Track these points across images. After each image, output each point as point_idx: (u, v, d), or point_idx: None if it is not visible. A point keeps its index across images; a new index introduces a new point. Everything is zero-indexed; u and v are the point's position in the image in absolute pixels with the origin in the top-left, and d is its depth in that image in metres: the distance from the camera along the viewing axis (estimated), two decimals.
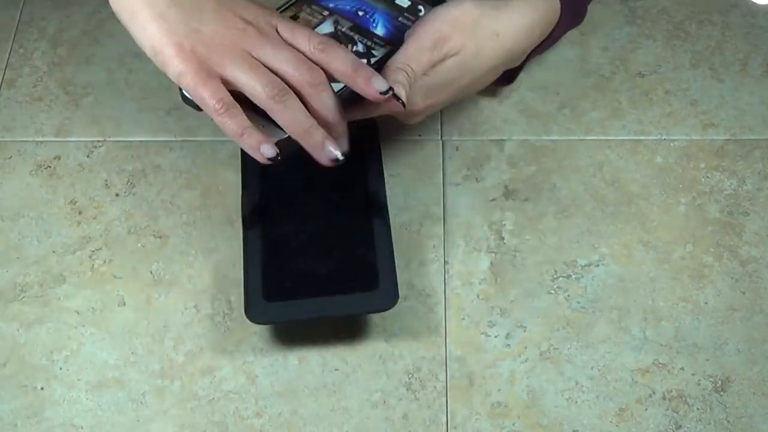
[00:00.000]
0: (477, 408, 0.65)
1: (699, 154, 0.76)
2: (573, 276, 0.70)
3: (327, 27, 0.66)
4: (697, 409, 0.64)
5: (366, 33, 0.65)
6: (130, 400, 0.65)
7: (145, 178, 0.75)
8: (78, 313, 0.69)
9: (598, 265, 0.70)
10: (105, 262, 0.71)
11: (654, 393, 0.65)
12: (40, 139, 0.77)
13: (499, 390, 0.65)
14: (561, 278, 0.70)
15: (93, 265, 0.71)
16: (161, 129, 0.77)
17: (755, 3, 0.84)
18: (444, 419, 0.64)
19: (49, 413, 0.65)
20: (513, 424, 0.64)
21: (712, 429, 0.64)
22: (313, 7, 0.67)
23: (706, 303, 0.69)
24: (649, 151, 0.76)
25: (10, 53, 0.82)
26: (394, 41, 0.65)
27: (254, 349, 0.67)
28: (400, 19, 0.67)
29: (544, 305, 0.69)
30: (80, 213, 0.73)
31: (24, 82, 0.80)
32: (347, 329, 0.68)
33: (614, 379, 0.66)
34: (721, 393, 0.65)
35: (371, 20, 0.66)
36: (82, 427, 0.64)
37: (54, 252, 0.71)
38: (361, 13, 0.66)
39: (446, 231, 0.72)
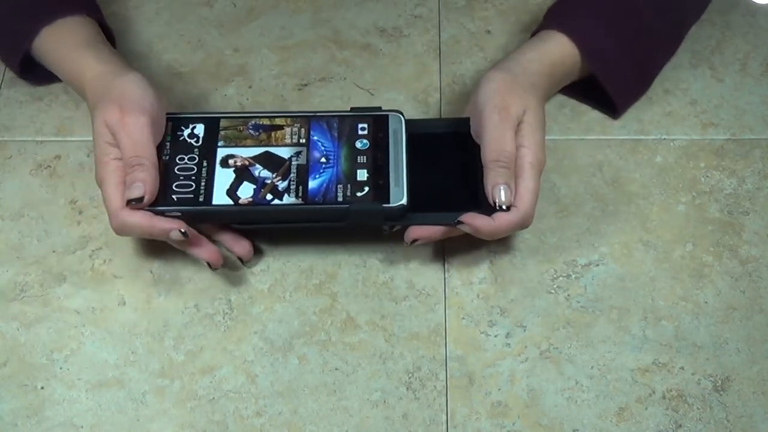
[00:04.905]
0: (477, 407, 0.65)
1: (699, 153, 0.76)
2: (573, 276, 0.70)
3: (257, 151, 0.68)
4: (697, 408, 0.64)
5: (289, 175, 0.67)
6: (130, 399, 0.65)
7: None
8: (78, 312, 0.69)
9: (598, 265, 0.70)
10: (105, 261, 0.71)
11: (654, 392, 0.65)
12: (40, 138, 0.77)
13: (499, 389, 0.65)
14: (561, 278, 0.70)
15: (93, 264, 0.71)
16: None
17: (755, 3, 0.84)
18: (444, 419, 0.64)
19: (49, 413, 0.65)
20: (513, 424, 0.64)
21: (712, 428, 0.64)
22: (294, 127, 0.69)
23: (706, 302, 0.69)
24: (649, 150, 0.76)
25: None
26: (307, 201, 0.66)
27: (254, 348, 0.67)
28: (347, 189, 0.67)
29: (544, 305, 0.69)
30: (80, 213, 0.73)
31: (24, 81, 0.80)
32: (347, 329, 0.68)
33: (614, 379, 0.66)
34: (721, 392, 0.65)
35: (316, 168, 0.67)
36: (82, 427, 0.64)
37: (54, 252, 0.71)
38: (322, 161, 0.67)
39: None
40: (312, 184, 0.66)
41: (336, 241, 0.72)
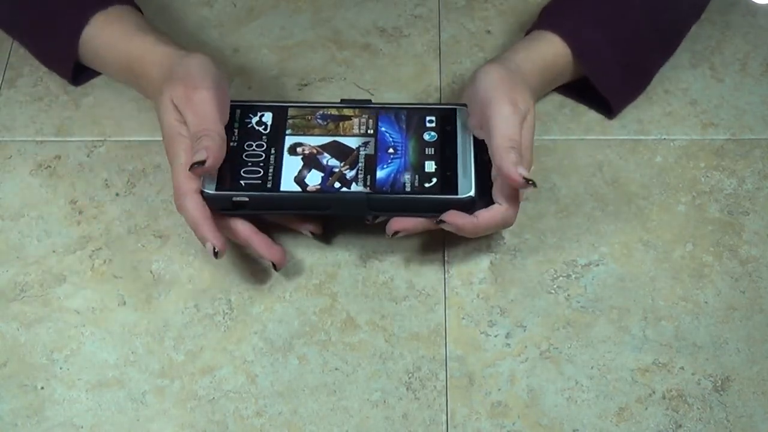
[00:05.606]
0: (477, 407, 0.65)
1: (699, 153, 0.76)
2: (573, 276, 0.70)
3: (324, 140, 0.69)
4: (697, 408, 0.64)
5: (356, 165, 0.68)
6: (130, 399, 0.65)
7: (145, 178, 0.75)
8: (78, 312, 0.69)
9: (598, 265, 0.70)
10: (105, 261, 0.71)
11: (654, 392, 0.65)
12: (40, 138, 0.77)
13: (499, 389, 0.65)
14: (561, 278, 0.70)
15: (93, 264, 0.71)
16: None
17: (755, 3, 0.84)
18: (444, 419, 0.64)
19: (49, 413, 0.65)
20: (513, 424, 0.64)
21: (712, 428, 0.64)
22: (362, 118, 0.70)
23: (706, 302, 0.69)
24: (649, 150, 0.76)
25: (10, 53, 0.82)
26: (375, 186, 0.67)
27: (254, 348, 0.67)
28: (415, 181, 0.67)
29: (544, 305, 0.69)
30: (80, 213, 0.73)
31: (24, 81, 0.80)
32: (347, 329, 0.68)
33: (614, 379, 0.66)
34: (721, 392, 0.65)
35: (385, 160, 0.68)
36: (82, 427, 0.64)
37: (54, 252, 0.72)
38: (390, 151, 0.68)
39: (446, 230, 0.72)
40: (380, 174, 0.67)
41: (336, 241, 0.72)
